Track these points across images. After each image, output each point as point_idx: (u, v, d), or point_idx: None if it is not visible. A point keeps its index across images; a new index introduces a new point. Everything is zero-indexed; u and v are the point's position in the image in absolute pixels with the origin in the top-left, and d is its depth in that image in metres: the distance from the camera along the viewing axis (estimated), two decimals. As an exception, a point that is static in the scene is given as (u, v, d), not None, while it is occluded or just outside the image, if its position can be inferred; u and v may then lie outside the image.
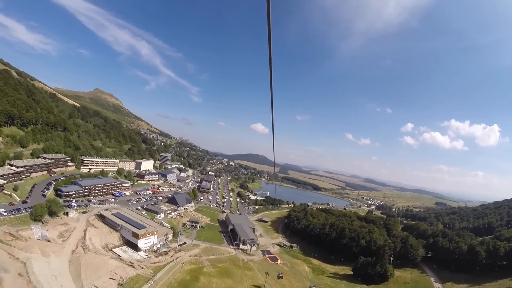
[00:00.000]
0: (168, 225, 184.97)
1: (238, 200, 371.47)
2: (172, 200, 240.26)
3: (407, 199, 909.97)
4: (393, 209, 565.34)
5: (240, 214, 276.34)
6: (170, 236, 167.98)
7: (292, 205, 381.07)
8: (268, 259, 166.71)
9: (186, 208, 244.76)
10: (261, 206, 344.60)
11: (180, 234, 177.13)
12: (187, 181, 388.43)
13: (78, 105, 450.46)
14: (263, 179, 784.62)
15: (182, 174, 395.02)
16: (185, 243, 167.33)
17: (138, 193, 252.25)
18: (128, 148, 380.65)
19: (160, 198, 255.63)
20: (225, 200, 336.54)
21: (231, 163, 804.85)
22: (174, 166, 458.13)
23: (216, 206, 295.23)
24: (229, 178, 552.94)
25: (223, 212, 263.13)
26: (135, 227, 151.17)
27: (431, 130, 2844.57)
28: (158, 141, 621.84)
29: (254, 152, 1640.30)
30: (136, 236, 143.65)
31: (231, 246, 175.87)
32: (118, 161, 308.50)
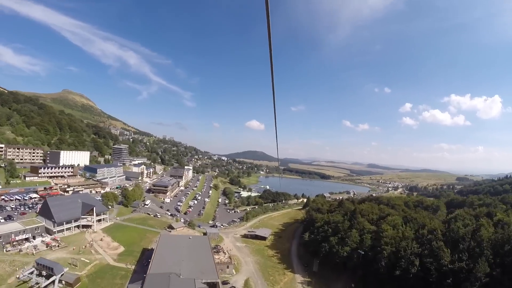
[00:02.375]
0: None
1: (220, 200, 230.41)
2: (44, 211, 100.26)
3: (425, 178, 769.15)
4: (429, 189, 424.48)
5: (198, 231, 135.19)
6: None
7: (304, 199, 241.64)
8: None
9: (88, 226, 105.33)
10: (256, 207, 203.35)
11: None
12: (143, 178, 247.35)
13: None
14: (262, 172, 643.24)
15: (135, 170, 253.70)
16: None
17: (4, 197, 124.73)
18: (57, 138, 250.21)
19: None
20: (195, 202, 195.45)
21: (223, 158, 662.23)
22: (136, 162, 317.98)
23: (171, 215, 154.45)
24: (216, 173, 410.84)
25: (169, 229, 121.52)
26: None
27: (431, 108, 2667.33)
28: (127, 137, 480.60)
29: (252, 149, 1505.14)
30: None
31: None
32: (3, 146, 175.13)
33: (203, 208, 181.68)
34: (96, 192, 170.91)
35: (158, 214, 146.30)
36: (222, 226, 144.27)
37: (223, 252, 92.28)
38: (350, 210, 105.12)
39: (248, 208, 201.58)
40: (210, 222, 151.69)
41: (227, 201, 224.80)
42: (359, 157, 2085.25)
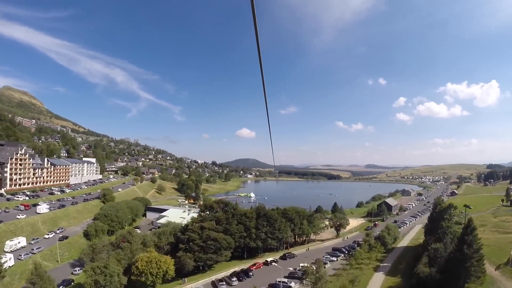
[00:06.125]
0: None
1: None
2: None
3: (452, 169, 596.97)
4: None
5: None
6: None
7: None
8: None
9: None
10: None
11: None
12: None
13: None
14: (249, 176, 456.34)
15: None
16: None
17: None
18: None
19: None
20: None
21: (198, 161, 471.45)
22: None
23: None
24: (158, 175, 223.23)
25: None
26: None
27: (426, 100, 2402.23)
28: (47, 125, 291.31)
29: (244, 157, 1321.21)
30: None
31: None
32: None
33: None
34: None
35: None
36: None
37: None
38: None
39: None
40: None
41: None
42: (353, 160, 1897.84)
